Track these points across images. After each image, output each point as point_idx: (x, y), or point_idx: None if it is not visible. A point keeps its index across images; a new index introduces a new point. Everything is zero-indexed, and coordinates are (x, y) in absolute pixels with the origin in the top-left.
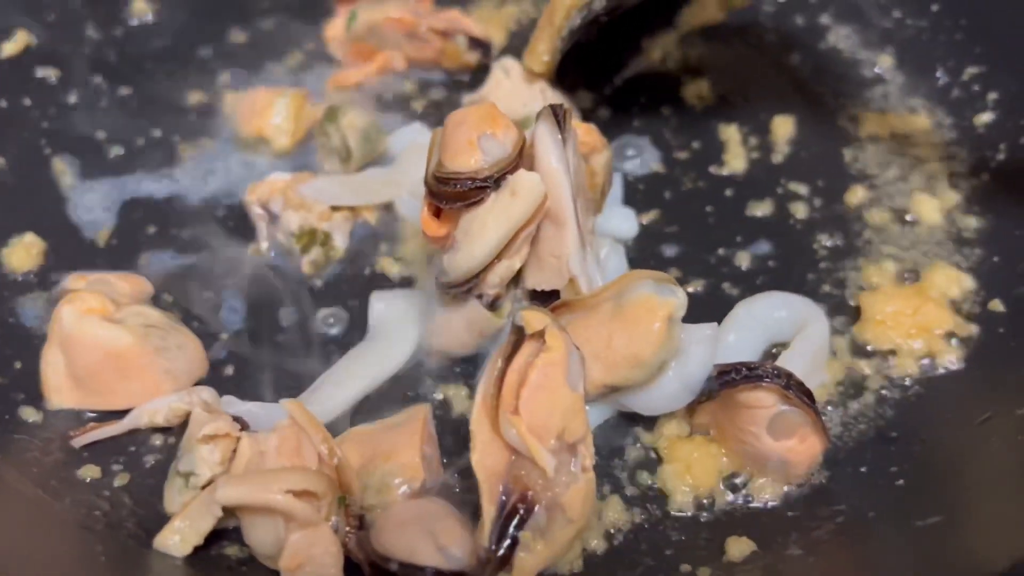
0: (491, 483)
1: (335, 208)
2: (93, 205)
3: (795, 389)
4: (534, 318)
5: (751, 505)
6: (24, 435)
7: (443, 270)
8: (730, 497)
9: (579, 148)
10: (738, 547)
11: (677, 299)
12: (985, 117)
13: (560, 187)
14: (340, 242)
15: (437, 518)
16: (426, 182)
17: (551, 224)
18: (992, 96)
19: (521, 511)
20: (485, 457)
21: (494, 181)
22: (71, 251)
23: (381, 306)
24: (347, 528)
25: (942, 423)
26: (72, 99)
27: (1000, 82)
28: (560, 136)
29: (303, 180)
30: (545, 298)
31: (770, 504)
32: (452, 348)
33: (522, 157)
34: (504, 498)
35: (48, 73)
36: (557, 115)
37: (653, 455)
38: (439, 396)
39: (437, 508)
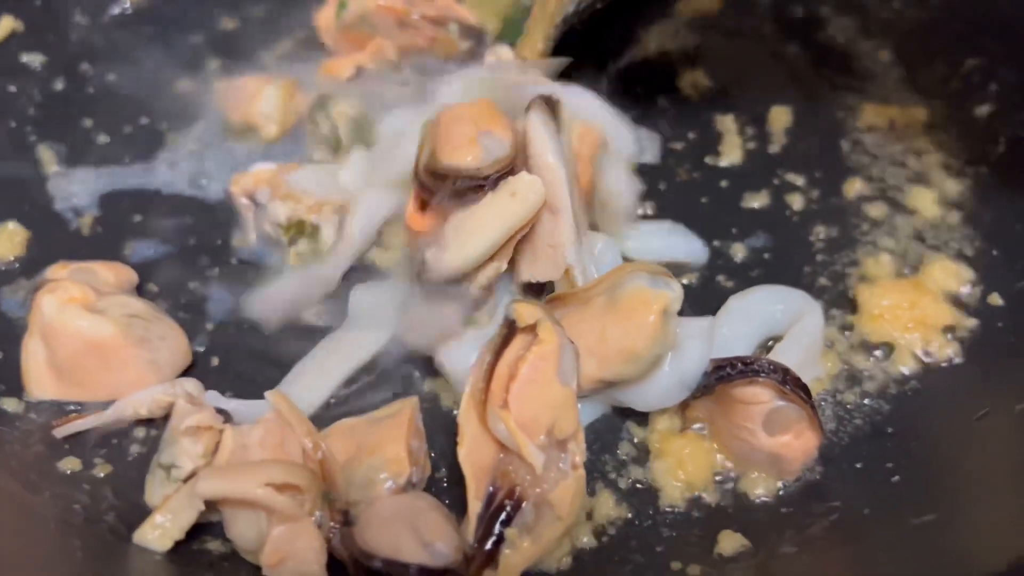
0: (478, 478)
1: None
2: (78, 193)
3: (791, 384)
4: (526, 311)
5: (744, 501)
6: (4, 427)
7: (427, 266)
8: (722, 493)
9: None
10: (730, 542)
11: (672, 292)
12: (984, 109)
13: (556, 174)
14: (328, 235)
15: (422, 513)
16: (416, 176)
17: (547, 213)
18: (992, 88)
19: (508, 507)
20: (472, 452)
21: (493, 181)
22: (55, 240)
23: (359, 294)
24: (331, 523)
25: (939, 418)
26: (58, 86)
27: (999, 74)
28: (554, 126)
29: (289, 170)
30: (536, 293)
31: (763, 500)
32: (425, 347)
33: (518, 157)
34: (491, 494)
35: (34, 59)
36: (549, 104)
37: (645, 450)
38: (426, 389)
39: (422, 503)
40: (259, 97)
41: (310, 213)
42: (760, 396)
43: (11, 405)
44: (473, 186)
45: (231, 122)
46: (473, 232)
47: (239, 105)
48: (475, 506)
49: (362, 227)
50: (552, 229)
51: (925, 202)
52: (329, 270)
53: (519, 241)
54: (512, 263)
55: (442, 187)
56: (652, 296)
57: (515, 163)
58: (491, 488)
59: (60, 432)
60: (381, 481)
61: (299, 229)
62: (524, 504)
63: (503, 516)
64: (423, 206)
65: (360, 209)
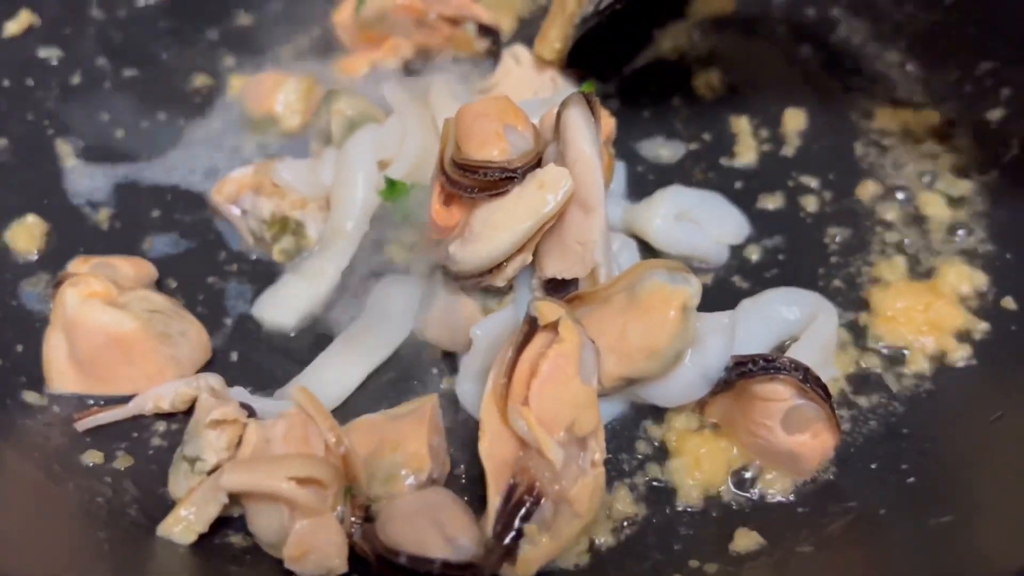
0: (498, 474)
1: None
2: (95, 187)
3: (812, 383)
4: (548, 309)
5: (760, 501)
6: (26, 419)
7: (453, 259)
8: (739, 492)
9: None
10: (746, 540)
11: (691, 287)
12: (997, 113)
13: (592, 172)
14: (313, 231)
15: (443, 508)
16: (442, 171)
17: (579, 210)
18: (1005, 92)
19: (528, 503)
20: (493, 447)
21: (522, 173)
22: (74, 234)
23: (380, 289)
24: (352, 518)
25: (953, 421)
26: (75, 80)
27: (1013, 78)
28: (592, 122)
29: (267, 168)
30: (557, 289)
31: (779, 499)
32: (443, 342)
33: (542, 152)
34: (511, 489)
35: (51, 53)
36: (588, 100)
37: (662, 449)
38: (444, 386)
39: (443, 498)
40: (280, 90)
41: (294, 209)
42: (781, 393)
43: (33, 398)
44: (503, 178)
45: (251, 115)
46: (502, 224)
47: (260, 98)
48: (495, 501)
49: (354, 221)
50: (582, 226)
51: (938, 205)
52: (329, 267)
53: (545, 237)
54: (534, 258)
55: (471, 181)
56: (671, 292)
57: (539, 157)
58: (511, 484)
59: (82, 425)
60: (403, 477)
61: (283, 226)
62: (543, 500)
63: (522, 512)
64: (448, 200)
65: (345, 205)
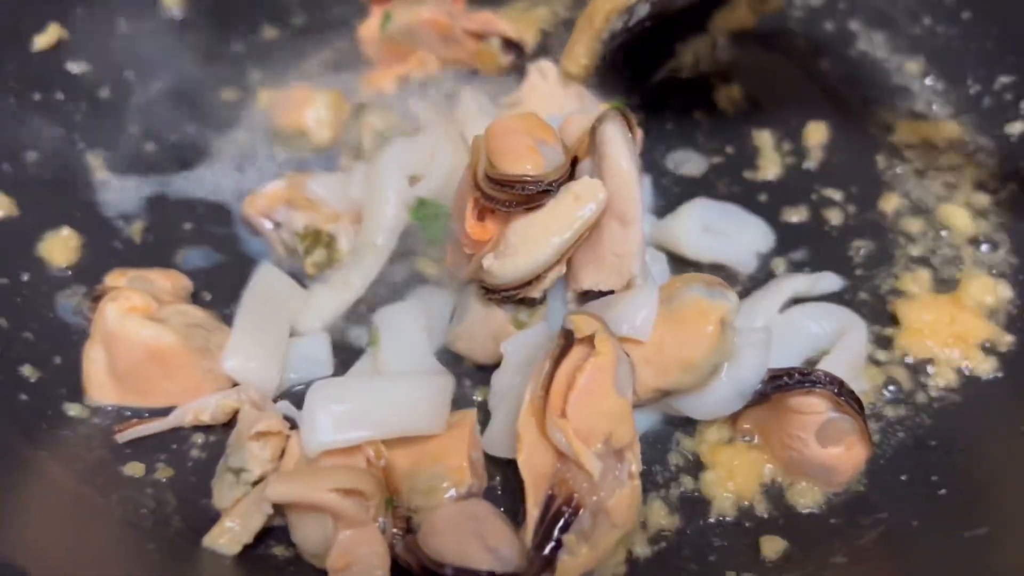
0: (537, 485)
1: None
2: (127, 200)
3: (847, 396)
4: (584, 322)
5: (792, 512)
6: (67, 431)
7: (490, 272)
8: (771, 504)
9: None
10: (778, 551)
11: (729, 302)
12: (1017, 126)
13: (631, 185)
14: (345, 244)
15: (484, 520)
16: (476, 186)
17: (616, 222)
18: None
19: (566, 514)
20: (531, 459)
21: (556, 186)
22: (107, 247)
23: (384, 321)
24: (394, 530)
25: (982, 432)
26: (104, 93)
27: None
28: (629, 135)
29: (299, 182)
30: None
31: (811, 511)
32: (475, 354)
33: (574, 166)
34: (549, 500)
35: (80, 67)
36: (624, 114)
37: (695, 461)
38: (478, 398)
39: (483, 510)
40: (310, 103)
41: (327, 223)
42: (816, 406)
43: (75, 410)
44: (539, 191)
45: (280, 128)
46: (540, 237)
47: (289, 111)
48: (533, 512)
49: (384, 236)
50: (619, 238)
51: (960, 218)
52: (356, 281)
53: (580, 250)
54: (568, 271)
55: (507, 195)
56: (709, 306)
57: (571, 171)
58: (549, 495)
59: (123, 436)
60: (443, 489)
61: (315, 239)
62: (582, 511)
63: (561, 522)
64: (482, 215)
65: (375, 220)
